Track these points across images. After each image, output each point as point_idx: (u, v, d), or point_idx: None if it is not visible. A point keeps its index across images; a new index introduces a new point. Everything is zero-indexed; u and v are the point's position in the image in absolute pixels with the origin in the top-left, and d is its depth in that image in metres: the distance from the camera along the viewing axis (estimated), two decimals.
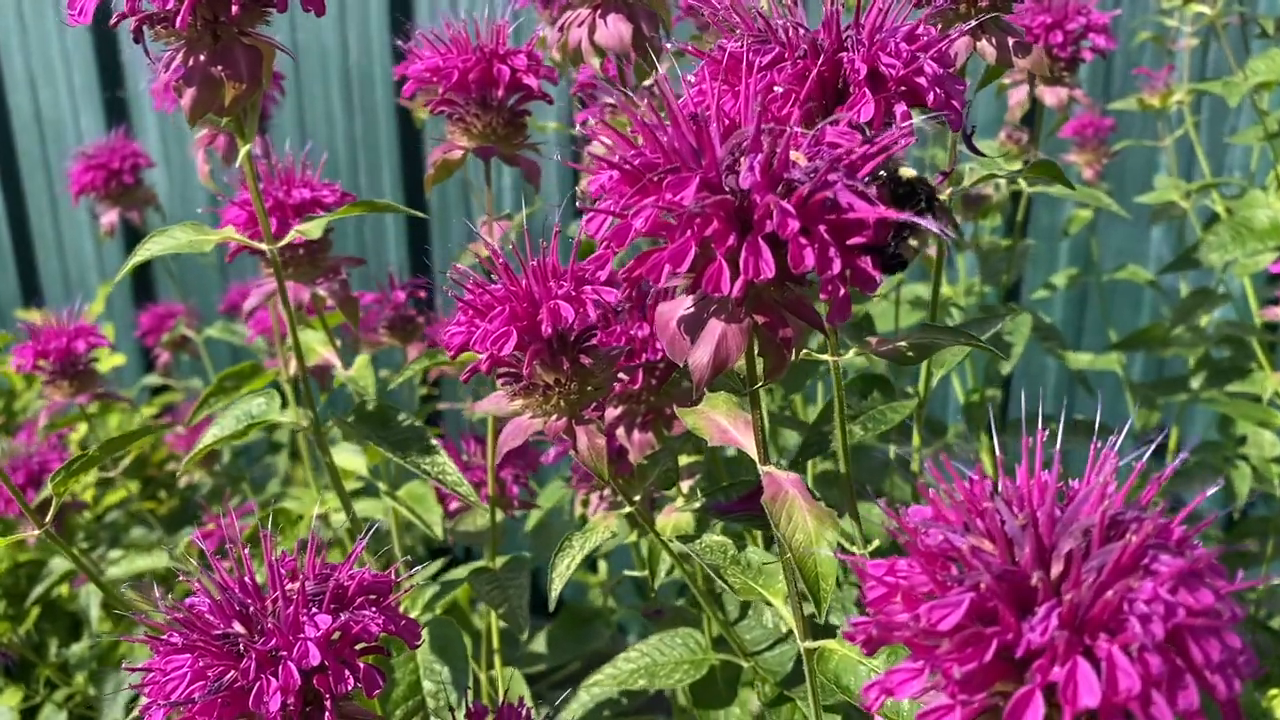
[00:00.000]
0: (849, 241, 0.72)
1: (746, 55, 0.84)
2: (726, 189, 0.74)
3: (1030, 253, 3.16)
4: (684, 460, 1.38)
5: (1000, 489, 0.68)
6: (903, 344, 1.00)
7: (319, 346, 1.49)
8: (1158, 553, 0.62)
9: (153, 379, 3.11)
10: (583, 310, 0.94)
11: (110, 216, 2.33)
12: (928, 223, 0.80)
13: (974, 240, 2.20)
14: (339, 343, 1.47)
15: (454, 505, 1.60)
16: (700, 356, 0.79)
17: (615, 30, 1.14)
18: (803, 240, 0.72)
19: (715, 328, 0.80)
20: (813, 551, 0.83)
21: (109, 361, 3.59)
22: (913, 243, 0.83)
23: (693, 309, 0.81)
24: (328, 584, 0.89)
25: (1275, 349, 2.54)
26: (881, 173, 0.82)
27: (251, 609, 0.87)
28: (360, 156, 3.92)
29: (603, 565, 2.39)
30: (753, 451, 0.92)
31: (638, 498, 1.11)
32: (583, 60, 1.18)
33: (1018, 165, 1.22)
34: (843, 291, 0.74)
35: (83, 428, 2.99)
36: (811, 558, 0.84)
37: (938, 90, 0.85)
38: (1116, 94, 2.98)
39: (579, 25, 1.16)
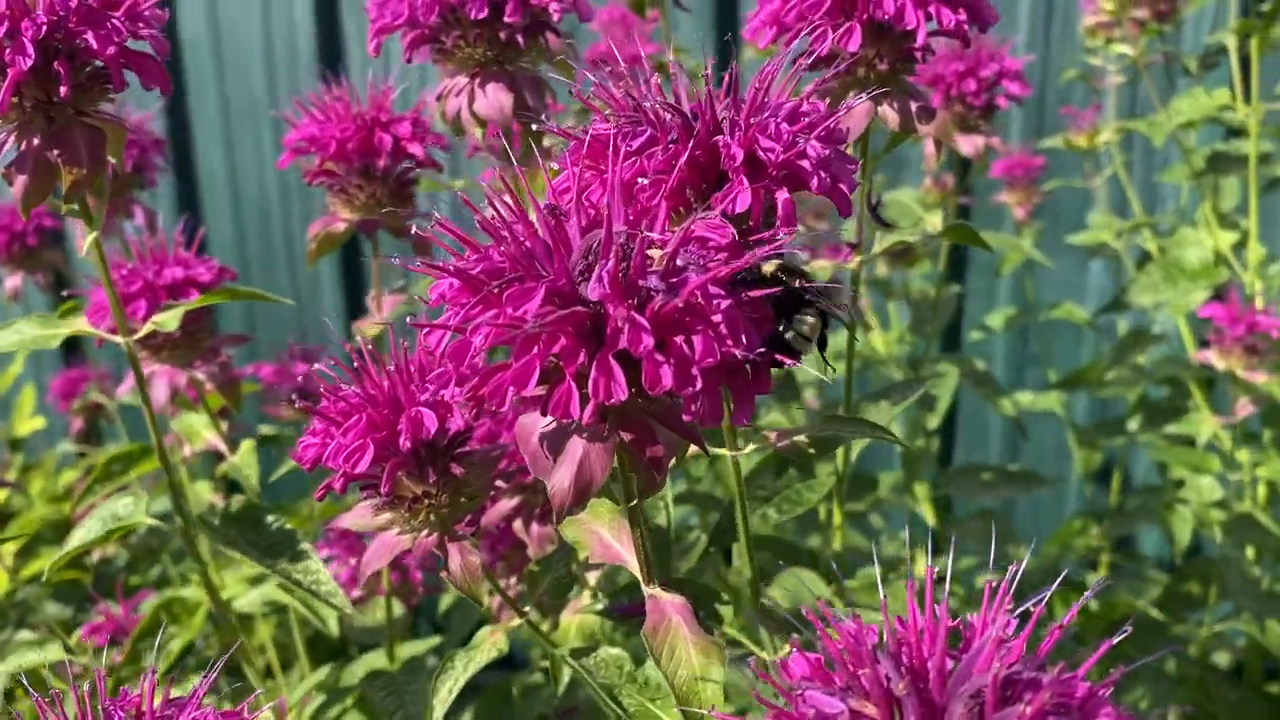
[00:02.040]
0: (707, 361, 0.64)
1: (614, 139, 0.76)
2: (579, 299, 0.66)
3: (958, 298, 3.13)
4: None
5: (886, 640, 0.60)
6: (802, 439, 0.92)
7: (203, 430, 1.39)
8: None
9: (67, 446, 2.97)
10: (450, 416, 0.86)
11: (14, 281, 2.20)
12: (806, 319, 0.73)
13: (904, 288, 2.14)
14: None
15: (356, 593, 1.49)
16: (561, 479, 0.71)
17: (495, 100, 1.06)
18: (659, 357, 0.64)
19: (577, 447, 0.71)
20: (697, 691, 0.75)
21: (28, 425, 3.43)
22: (809, 323, 0.76)
23: (554, 424, 0.73)
24: None
25: (1214, 385, 2.51)
26: (763, 267, 0.74)
27: None
28: (294, 206, 3.81)
29: None
30: (636, 570, 0.84)
31: (529, 608, 1.02)
32: (464, 130, 1.10)
33: (930, 227, 1.16)
34: (706, 411, 0.67)
35: (2, 494, 2.85)
36: (696, 696, 0.76)
37: (822, 174, 0.78)
38: (1050, 133, 2.96)
39: (456, 95, 1.08)
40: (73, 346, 4.18)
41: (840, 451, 1.30)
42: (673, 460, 0.76)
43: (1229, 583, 1.95)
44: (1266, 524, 2.12)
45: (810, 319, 0.74)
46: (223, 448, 1.36)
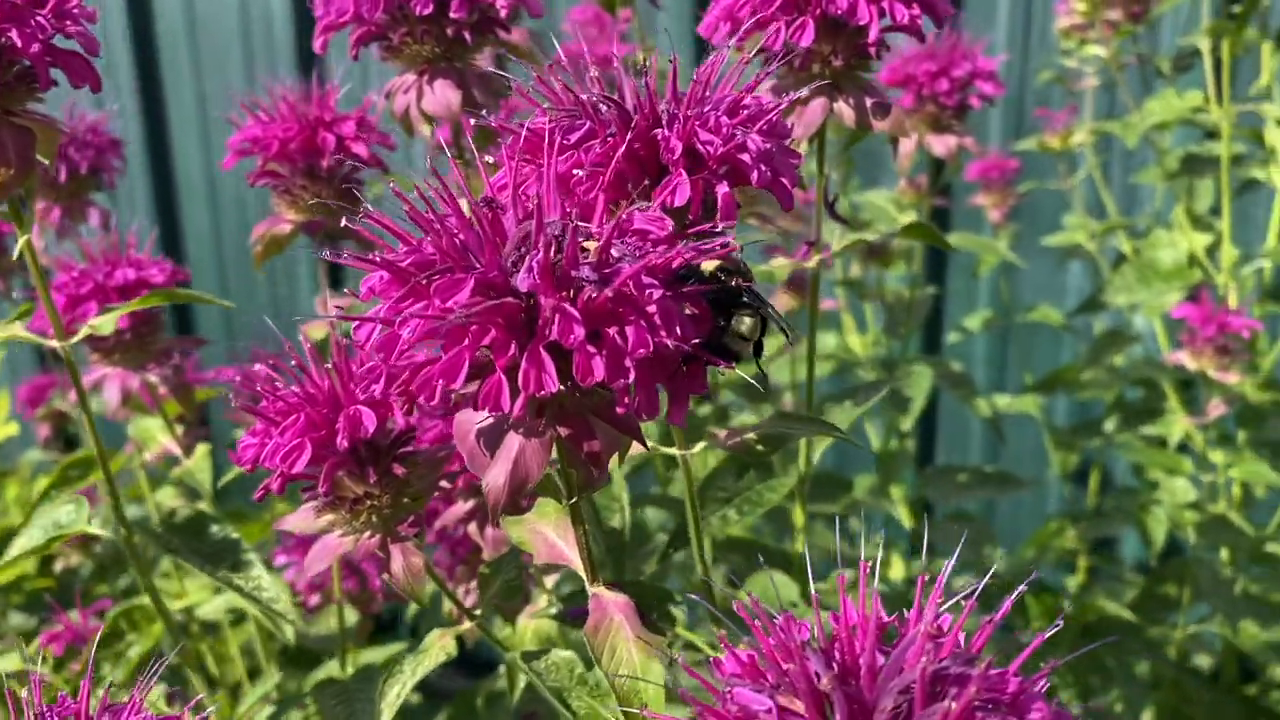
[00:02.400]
0: (639, 352, 0.62)
1: (550, 132, 0.75)
2: (511, 291, 0.65)
3: (934, 299, 3.12)
4: None
5: (816, 637, 0.59)
6: (751, 437, 0.91)
7: (159, 434, 1.37)
8: (986, 716, 0.53)
9: (34, 454, 2.93)
10: (390, 415, 0.84)
11: None
12: (744, 318, 0.72)
13: (878, 290, 2.14)
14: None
15: (314, 600, 1.47)
16: (495, 477, 0.70)
17: (443, 97, 1.05)
18: (591, 349, 0.63)
19: (513, 443, 0.70)
20: (638, 690, 0.74)
21: (1, 432, 3.40)
22: (746, 324, 0.75)
23: (491, 420, 0.72)
24: None
25: (1191, 386, 2.51)
26: (702, 265, 0.73)
27: None
28: (272, 203, 3.79)
29: None
30: (580, 569, 0.82)
31: (479, 612, 1.00)
32: (413, 128, 1.09)
33: (889, 225, 1.15)
34: (642, 404, 0.65)
35: None
36: (637, 695, 0.74)
37: (763, 168, 0.77)
38: (1029, 134, 2.97)
39: (405, 92, 1.07)
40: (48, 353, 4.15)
41: (803, 453, 1.29)
42: (613, 456, 0.74)
43: (1202, 585, 1.94)
44: (1240, 525, 2.11)
45: (748, 319, 0.73)
46: (177, 451, 1.34)
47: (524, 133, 0.77)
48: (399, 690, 0.96)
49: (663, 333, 0.64)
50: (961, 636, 0.60)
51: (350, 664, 1.48)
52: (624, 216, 0.71)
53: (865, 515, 2.42)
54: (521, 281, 0.63)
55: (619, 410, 0.66)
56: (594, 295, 0.63)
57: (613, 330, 0.64)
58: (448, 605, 1.36)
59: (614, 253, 0.68)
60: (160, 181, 4.01)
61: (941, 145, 1.60)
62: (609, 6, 1.61)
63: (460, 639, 1.01)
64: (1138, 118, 2.23)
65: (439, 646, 0.98)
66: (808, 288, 1.99)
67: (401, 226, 0.71)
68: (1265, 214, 2.39)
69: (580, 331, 0.62)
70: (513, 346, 0.64)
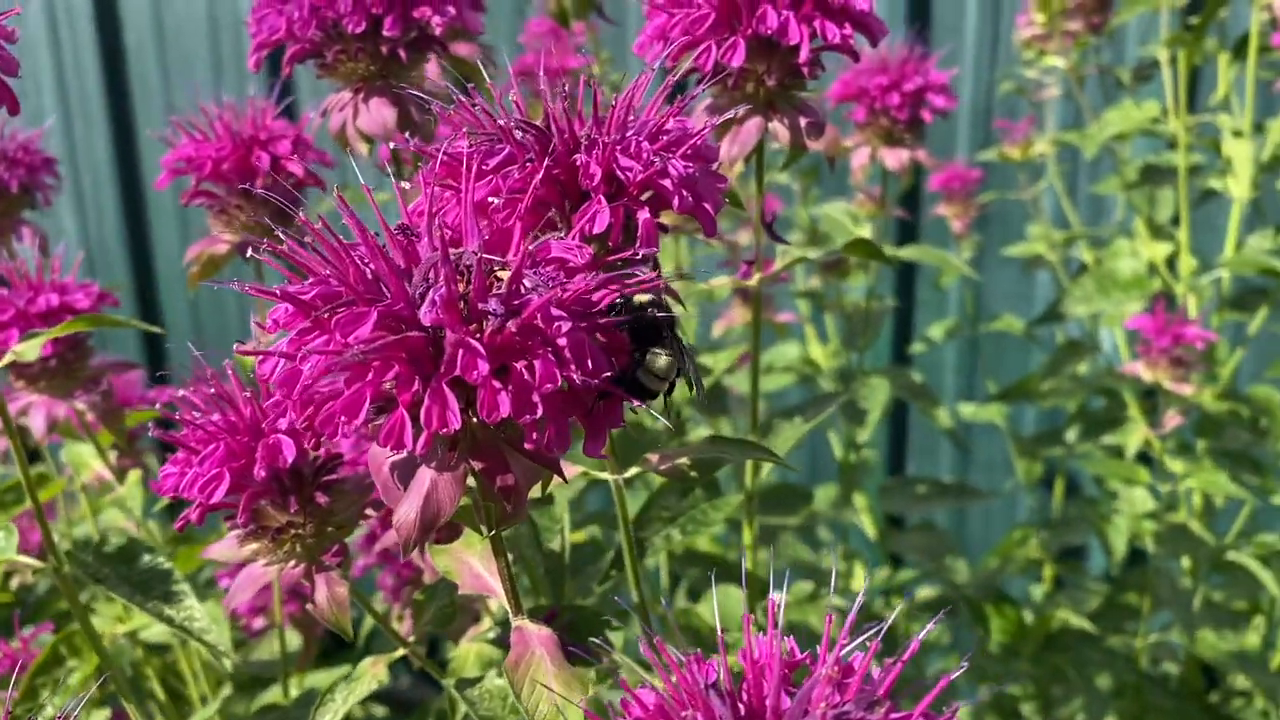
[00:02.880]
0: (546, 387, 0.61)
1: (468, 157, 0.74)
2: (418, 324, 0.64)
3: (900, 311, 3.12)
4: None
5: (722, 679, 0.58)
6: (684, 462, 0.90)
7: (91, 460, 1.35)
8: None
9: None
10: (310, 443, 0.82)
11: None
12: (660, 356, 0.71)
13: (839, 301, 2.13)
14: None
15: (257, 623, 1.45)
16: (406, 512, 0.68)
17: (378, 116, 1.03)
18: (496, 384, 0.62)
19: (425, 477, 0.69)
20: None
21: None
22: (661, 362, 0.74)
23: (404, 453, 0.70)
24: None
25: (1154, 395, 2.52)
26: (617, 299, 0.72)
27: None
28: None
29: None
30: (504, 600, 0.81)
31: (413, 639, 0.99)
32: (350, 146, 1.07)
33: (845, 238, 1.14)
34: (552, 439, 0.64)
35: None
36: None
37: (684, 193, 0.76)
38: (995, 145, 2.97)
39: (340, 110, 1.06)
40: None
41: (749, 471, 1.29)
42: (533, 489, 0.73)
43: (1160, 594, 1.95)
44: (1201, 534, 2.12)
45: (664, 358, 0.71)
46: (110, 478, 1.31)
47: (441, 157, 0.76)
48: (330, 718, 0.94)
49: (573, 366, 0.63)
50: (882, 671, 0.59)
51: (297, 686, 1.46)
52: (539, 245, 0.70)
53: (837, 526, 2.42)
54: (425, 315, 0.62)
55: (527, 445, 0.64)
56: (499, 328, 0.62)
57: (520, 365, 0.63)
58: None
59: (527, 283, 0.67)
60: (129, 196, 3.97)
61: (894, 159, 1.60)
62: (562, 20, 1.60)
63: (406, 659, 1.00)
64: (1096, 128, 2.24)
65: (371, 675, 0.97)
66: (767, 301, 1.99)
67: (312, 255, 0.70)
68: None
69: (485, 367, 0.61)
70: (416, 382, 0.62)
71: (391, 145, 1.04)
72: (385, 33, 0.99)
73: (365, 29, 0.99)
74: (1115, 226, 2.79)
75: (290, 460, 0.80)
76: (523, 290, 0.66)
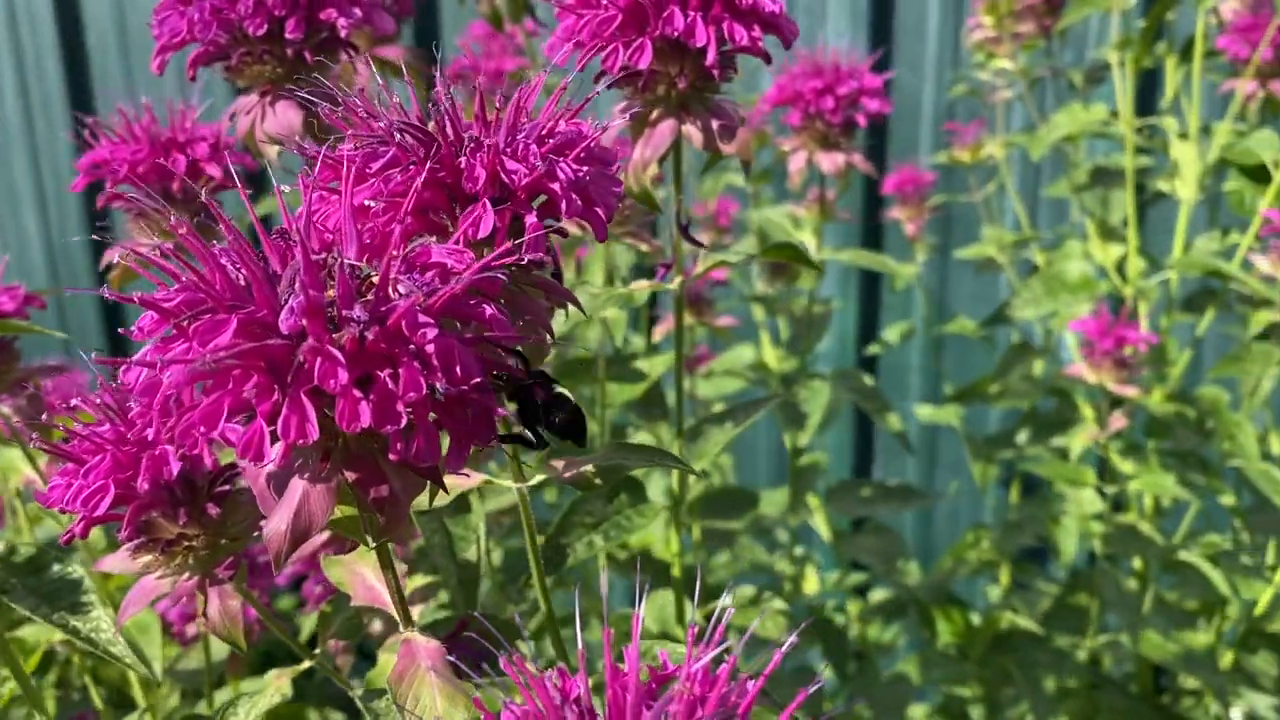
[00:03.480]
0: (409, 395, 0.60)
1: (348, 160, 0.73)
2: (280, 332, 0.62)
3: (866, 314, 3.11)
4: (419, 581, 1.24)
5: (583, 695, 0.57)
6: (589, 469, 0.89)
7: (20, 464, 1.32)
8: None
9: None
10: (199, 455, 0.81)
11: None
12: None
13: (789, 305, 2.13)
14: None
15: (191, 630, 1.43)
16: (276, 525, 0.67)
17: (284, 119, 1.02)
18: (357, 393, 0.61)
19: (296, 488, 0.67)
20: None
21: None
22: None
23: (272, 464, 0.69)
24: None
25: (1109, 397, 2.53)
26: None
27: None
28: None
29: None
30: (394, 612, 0.80)
31: (318, 650, 0.97)
32: (258, 150, 1.06)
33: (803, 244, 1.14)
34: (421, 449, 0.63)
35: None
36: None
37: (573, 197, 0.75)
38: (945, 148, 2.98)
39: (247, 113, 1.04)
40: None
41: (676, 476, 1.28)
42: (415, 500, 0.72)
43: (1106, 595, 1.95)
44: (1150, 534, 2.13)
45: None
46: (40, 483, 1.29)
47: (322, 159, 0.74)
48: None
49: (440, 375, 0.62)
50: (744, 686, 0.58)
51: (233, 692, 1.44)
52: (418, 250, 0.69)
53: (801, 530, 2.42)
54: (284, 322, 0.61)
55: (392, 457, 0.63)
56: (359, 336, 0.61)
57: (385, 373, 0.61)
58: (376, 626, 1.33)
59: (401, 289, 0.66)
60: (92, 197, 3.93)
61: (829, 163, 1.60)
62: (495, 23, 1.59)
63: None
64: (1045, 131, 2.25)
65: (274, 687, 0.95)
66: (708, 305, 1.98)
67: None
68: None
69: (344, 375, 0.60)
70: (276, 392, 0.61)
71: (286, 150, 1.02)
72: (288, 35, 0.98)
73: (268, 31, 0.97)
74: (1070, 228, 2.80)
75: (176, 472, 0.78)
76: (394, 296, 0.65)
